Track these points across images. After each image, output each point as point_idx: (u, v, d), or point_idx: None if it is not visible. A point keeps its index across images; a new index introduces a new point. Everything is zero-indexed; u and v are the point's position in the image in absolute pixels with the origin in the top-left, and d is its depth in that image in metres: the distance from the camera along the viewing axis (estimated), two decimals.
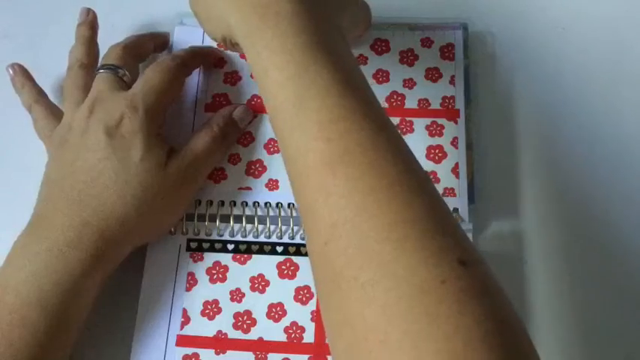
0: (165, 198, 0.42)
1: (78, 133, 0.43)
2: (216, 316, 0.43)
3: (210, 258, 0.45)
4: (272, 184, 0.46)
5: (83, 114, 0.43)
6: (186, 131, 0.47)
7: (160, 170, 0.42)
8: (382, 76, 0.49)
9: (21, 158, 0.49)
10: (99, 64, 0.47)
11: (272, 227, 0.45)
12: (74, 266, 0.39)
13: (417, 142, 0.47)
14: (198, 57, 0.49)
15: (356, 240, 0.30)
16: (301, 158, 0.33)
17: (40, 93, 0.48)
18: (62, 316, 0.39)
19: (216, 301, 0.43)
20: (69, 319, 0.39)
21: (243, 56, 0.50)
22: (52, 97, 0.49)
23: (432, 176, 0.46)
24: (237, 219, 0.45)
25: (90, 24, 0.49)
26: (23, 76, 0.49)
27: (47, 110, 0.47)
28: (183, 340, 0.42)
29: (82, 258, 0.40)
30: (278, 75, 0.35)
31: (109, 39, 0.49)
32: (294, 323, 0.42)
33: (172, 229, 0.45)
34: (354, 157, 0.32)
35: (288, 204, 0.45)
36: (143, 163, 0.42)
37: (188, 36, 0.50)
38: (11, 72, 0.49)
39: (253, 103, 0.48)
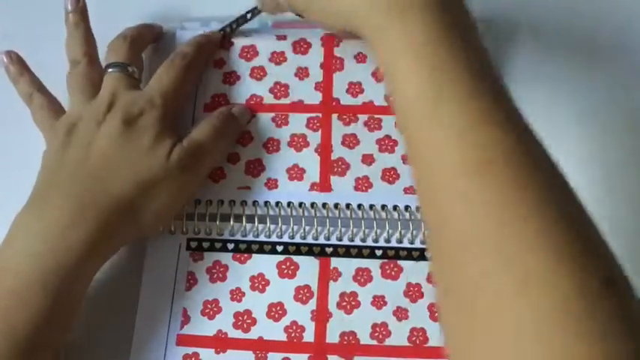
0: (168, 185, 0.43)
1: (93, 124, 0.43)
2: (216, 316, 0.43)
3: (210, 257, 0.45)
4: (271, 184, 0.46)
5: (101, 108, 0.44)
6: (185, 130, 0.47)
7: (164, 158, 0.43)
8: (381, 74, 0.48)
9: (18, 151, 0.49)
10: (107, 61, 0.47)
11: (272, 226, 0.45)
12: (75, 246, 0.39)
13: None
14: (205, 50, 0.49)
15: (497, 253, 0.29)
16: (437, 163, 0.32)
17: (40, 83, 0.48)
18: (63, 298, 0.39)
19: (216, 301, 0.43)
20: (70, 300, 0.39)
21: (242, 56, 0.50)
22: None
23: None
24: (237, 218, 0.45)
25: (82, 12, 0.48)
26: (20, 64, 0.48)
27: (48, 100, 0.47)
28: (183, 340, 0.43)
29: (83, 238, 0.39)
30: (411, 73, 0.34)
31: (104, 35, 0.49)
32: (294, 322, 0.42)
33: (172, 229, 0.45)
34: (496, 167, 0.30)
35: (288, 203, 0.45)
36: (151, 150, 0.43)
37: None
38: (6, 60, 0.48)
39: (252, 102, 0.48)
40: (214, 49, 0.50)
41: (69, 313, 0.40)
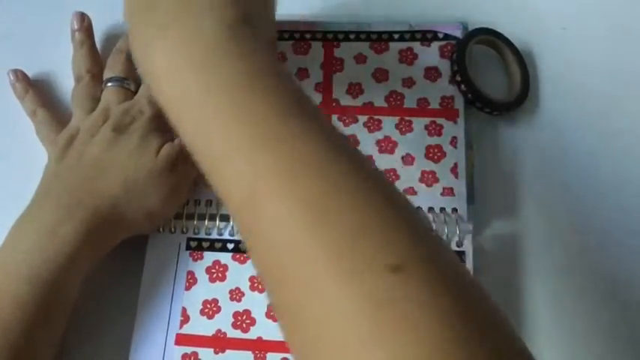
0: (157, 184, 0.43)
1: (87, 135, 0.45)
2: (216, 315, 0.43)
3: (209, 257, 0.45)
4: None
5: (95, 121, 0.46)
6: None
7: (152, 156, 0.44)
8: (381, 75, 0.49)
9: (20, 163, 0.49)
10: (106, 76, 0.48)
11: None
12: (64, 243, 0.40)
13: (416, 141, 0.47)
14: None
15: (277, 260, 0.28)
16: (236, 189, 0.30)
17: (44, 99, 0.50)
18: (53, 294, 0.39)
19: (215, 300, 0.43)
20: (60, 296, 0.40)
21: None
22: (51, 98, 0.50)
23: (430, 176, 0.46)
24: None
25: (87, 31, 0.50)
26: (26, 82, 0.50)
27: (52, 115, 0.49)
28: (182, 339, 0.43)
29: (72, 235, 0.40)
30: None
31: (108, 42, 0.50)
32: None
33: (172, 228, 0.45)
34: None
35: None
36: (139, 149, 0.44)
37: None
38: (12, 78, 0.50)
39: None
40: None
41: (60, 309, 0.40)
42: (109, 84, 0.48)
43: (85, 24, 0.50)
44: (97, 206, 0.41)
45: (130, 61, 0.48)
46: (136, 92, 0.48)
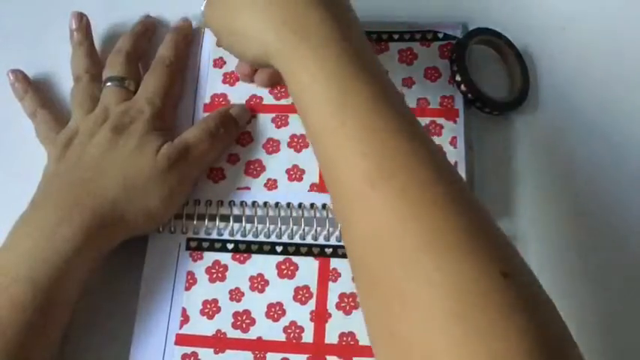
0: (157, 185, 0.43)
1: (87, 135, 0.45)
2: (216, 316, 0.43)
3: (209, 257, 0.45)
4: (270, 184, 0.46)
5: (94, 122, 0.46)
6: (185, 130, 0.47)
7: (152, 156, 0.44)
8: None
9: (20, 163, 0.50)
10: (105, 76, 0.48)
11: (271, 227, 0.45)
12: (64, 243, 0.40)
13: None
14: (182, 46, 0.50)
15: (395, 251, 0.31)
16: (343, 174, 0.34)
17: (44, 99, 0.50)
18: (51, 295, 0.39)
19: (215, 301, 0.43)
20: (59, 297, 0.40)
21: None
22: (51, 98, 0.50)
23: None
24: (237, 219, 0.45)
25: (85, 30, 0.51)
26: (25, 82, 0.50)
27: (52, 115, 0.49)
28: (182, 339, 0.43)
29: (72, 236, 0.40)
30: (315, 94, 0.35)
31: (108, 41, 0.50)
32: (293, 323, 0.42)
33: (172, 228, 0.45)
34: (395, 173, 0.32)
35: (287, 204, 0.45)
36: (138, 149, 0.44)
37: None
38: (12, 78, 0.50)
39: (252, 103, 0.48)
40: (190, 39, 0.51)
41: (60, 309, 0.40)
42: (109, 84, 0.48)
43: (83, 24, 0.50)
44: (96, 207, 0.41)
45: (129, 61, 0.49)
46: (135, 92, 0.48)
